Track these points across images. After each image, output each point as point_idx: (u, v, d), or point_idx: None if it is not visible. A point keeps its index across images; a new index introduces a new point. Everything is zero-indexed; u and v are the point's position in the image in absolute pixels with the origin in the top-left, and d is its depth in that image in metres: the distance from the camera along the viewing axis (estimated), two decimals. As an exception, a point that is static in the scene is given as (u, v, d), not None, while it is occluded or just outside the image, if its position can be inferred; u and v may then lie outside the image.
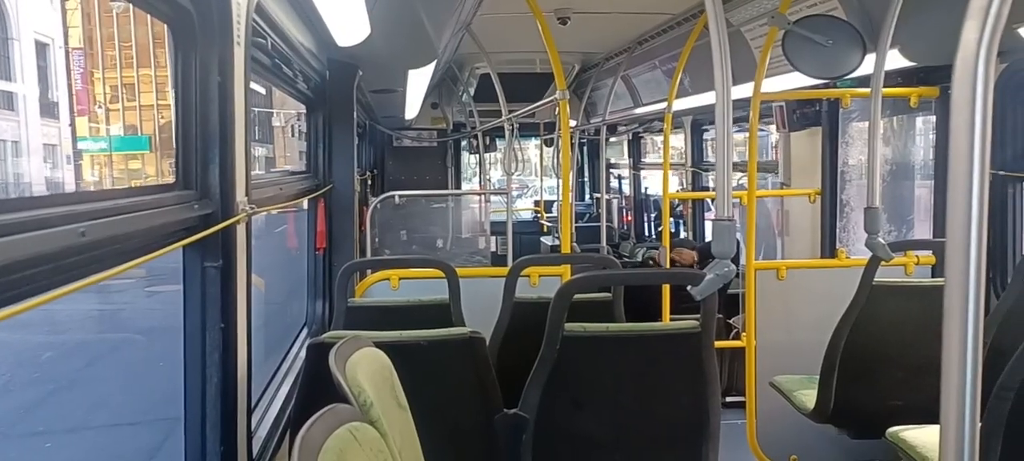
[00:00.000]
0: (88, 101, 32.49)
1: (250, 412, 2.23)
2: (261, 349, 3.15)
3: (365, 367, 1.81)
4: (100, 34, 34.43)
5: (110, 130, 34.32)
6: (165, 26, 1.94)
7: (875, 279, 3.39)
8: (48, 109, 27.50)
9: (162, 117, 34.59)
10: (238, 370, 2.04)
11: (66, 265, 1.30)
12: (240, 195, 2.02)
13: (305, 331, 4.09)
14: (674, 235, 8.67)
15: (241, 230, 2.04)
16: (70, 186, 28.25)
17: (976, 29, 0.96)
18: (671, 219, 8.07)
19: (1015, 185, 3.82)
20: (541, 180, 11.80)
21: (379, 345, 2.00)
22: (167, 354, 9.31)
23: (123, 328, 12.05)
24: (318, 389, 2.42)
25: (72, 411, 8.83)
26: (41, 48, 27.15)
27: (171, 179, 1.94)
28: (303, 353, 3.35)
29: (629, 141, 10.58)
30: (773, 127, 6.08)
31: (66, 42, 30.44)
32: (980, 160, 0.99)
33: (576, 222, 8.88)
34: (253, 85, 2.18)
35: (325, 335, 2.56)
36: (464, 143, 11.55)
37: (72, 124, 30.15)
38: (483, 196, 9.88)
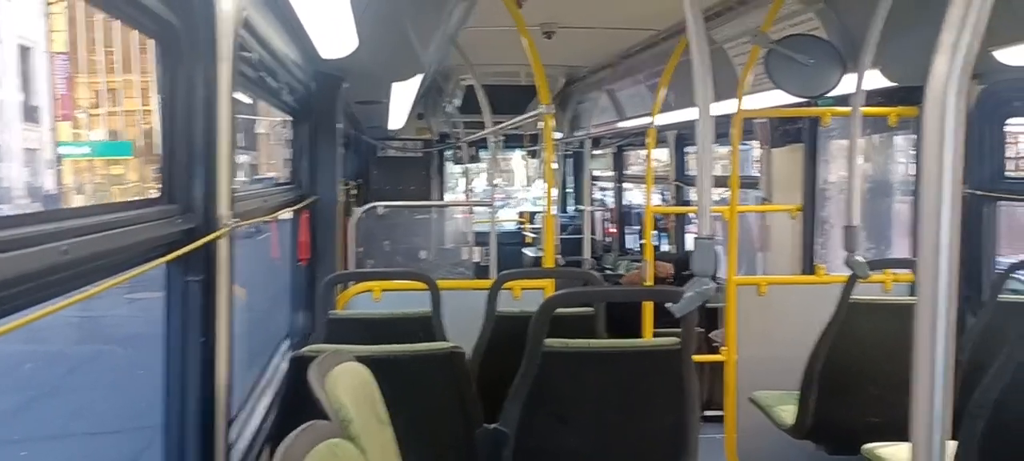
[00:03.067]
0: (71, 106, 32.27)
1: (229, 425, 2.22)
2: (244, 359, 3.15)
3: (346, 382, 1.82)
4: (84, 39, 34.24)
5: (92, 135, 34.09)
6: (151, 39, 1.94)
7: (853, 296, 3.42)
8: (30, 113, 27.31)
9: (145, 122, 34.40)
10: (218, 383, 2.04)
11: (49, 283, 1.30)
12: (223, 209, 2.02)
13: (286, 342, 4.08)
14: (657, 248, 8.71)
15: (223, 244, 2.04)
16: (51, 190, 28.02)
17: (945, 63, 0.99)
18: (654, 232, 8.10)
19: (990, 205, 3.87)
20: (525, 191, 11.83)
21: (360, 359, 2.01)
22: (147, 362, 9.24)
23: (103, 336, 11.95)
24: (299, 402, 2.42)
25: (51, 419, 8.75)
26: (24, 52, 26.97)
27: (153, 186, 1.94)
28: (284, 365, 3.34)
29: (613, 154, 10.63)
30: (755, 143, 6.14)
31: (49, 46, 30.26)
32: (950, 188, 1.02)
33: (559, 234, 8.91)
34: (238, 95, 2.18)
35: (306, 348, 2.56)
36: (449, 154, 11.56)
37: (54, 129, 29.95)
38: (467, 207, 9.89)
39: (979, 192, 3.81)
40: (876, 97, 4.28)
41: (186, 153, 1.93)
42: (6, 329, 1.15)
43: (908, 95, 4.28)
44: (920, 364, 1.05)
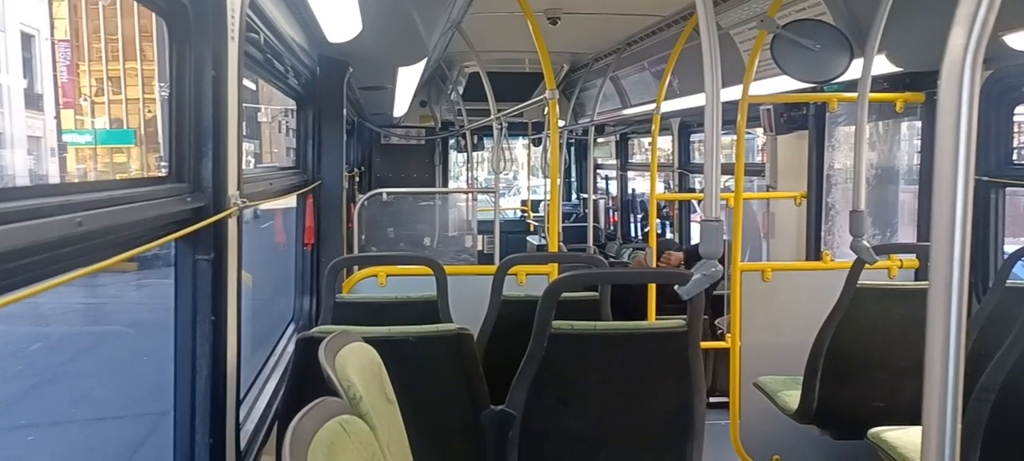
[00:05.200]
0: (74, 93, 32.25)
1: (238, 404, 2.23)
2: (248, 344, 3.17)
3: (354, 362, 1.82)
4: (86, 26, 34.17)
5: (95, 123, 34.07)
6: (156, 20, 1.94)
7: (859, 282, 3.42)
8: (33, 101, 27.29)
9: (148, 111, 34.38)
10: (227, 362, 2.05)
11: (62, 255, 1.30)
12: (232, 189, 2.03)
13: (292, 326, 4.09)
14: (660, 236, 8.71)
15: (232, 223, 2.05)
16: (54, 180, 28.07)
17: (963, 36, 0.99)
18: (657, 220, 8.10)
19: (997, 191, 3.87)
20: (528, 179, 11.84)
21: (368, 340, 2.01)
22: (152, 348, 9.28)
23: (108, 321, 11.98)
24: (306, 383, 2.43)
25: (55, 405, 8.78)
26: (27, 39, 26.94)
27: (157, 173, 1.95)
28: (290, 347, 3.35)
29: (617, 142, 10.62)
30: (760, 130, 6.12)
31: (52, 34, 30.21)
32: (965, 165, 1.01)
33: (563, 222, 8.92)
34: (244, 80, 2.18)
35: (314, 330, 2.57)
36: (452, 141, 11.56)
37: (57, 116, 29.93)
38: (470, 195, 9.89)
39: (987, 178, 3.81)
40: (881, 83, 4.28)
41: (195, 133, 1.94)
42: (20, 296, 1.16)
43: (913, 81, 4.27)
44: (932, 347, 1.05)
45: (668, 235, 9.11)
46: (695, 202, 7.93)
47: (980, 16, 0.97)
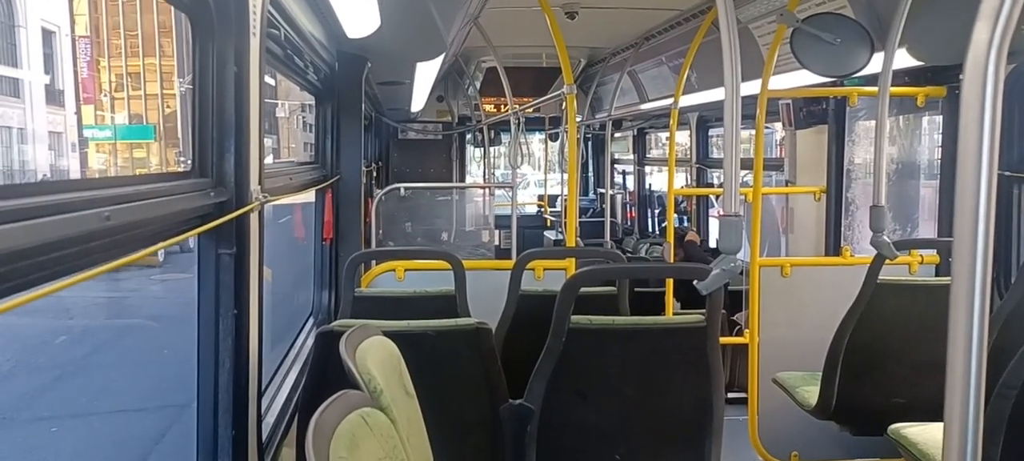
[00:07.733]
0: (94, 89, 32.54)
1: (260, 397, 2.25)
2: (268, 337, 3.19)
3: (374, 355, 1.83)
4: (106, 23, 34.45)
5: (115, 118, 34.36)
6: (177, 16, 1.96)
7: (879, 277, 3.40)
8: (54, 97, 27.55)
9: (167, 106, 34.63)
10: (249, 355, 2.07)
11: (91, 248, 1.32)
12: (254, 184, 2.05)
13: (312, 320, 4.11)
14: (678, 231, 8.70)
15: (254, 218, 2.07)
16: (76, 174, 28.33)
17: (987, 30, 0.98)
18: (675, 216, 8.10)
19: (1020, 186, 3.83)
20: (545, 174, 11.82)
21: (387, 334, 2.02)
22: (172, 342, 9.36)
23: (128, 315, 12.09)
24: (326, 376, 2.45)
25: (77, 397, 8.88)
26: (47, 36, 27.19)
27: (176, 168, 1.96)
28: (310, 341, 3.37)
29: (634, 137, 10.59)
30: (779, 124, 6.09)
31: (73, 30, 30.48)
32: (988, 160, 1.00)
33: (580, 217, 8.91)
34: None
35: (334, 323, 2.59)
36: (469, 136, 11.58)
37: (78, 112, 30.21)
38: (487, 190, 9.91)
39: (1010, 173, 3.77)
40: (902, 77, 4.24)
41: (218, 128, 1.95)
42: (54, 289, 1.18)
43: (935, 75, 4.23)
44: (955, 343, 1.04)
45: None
46: (713, 197, 7.91)
47: (1005, 9, 0.97)
